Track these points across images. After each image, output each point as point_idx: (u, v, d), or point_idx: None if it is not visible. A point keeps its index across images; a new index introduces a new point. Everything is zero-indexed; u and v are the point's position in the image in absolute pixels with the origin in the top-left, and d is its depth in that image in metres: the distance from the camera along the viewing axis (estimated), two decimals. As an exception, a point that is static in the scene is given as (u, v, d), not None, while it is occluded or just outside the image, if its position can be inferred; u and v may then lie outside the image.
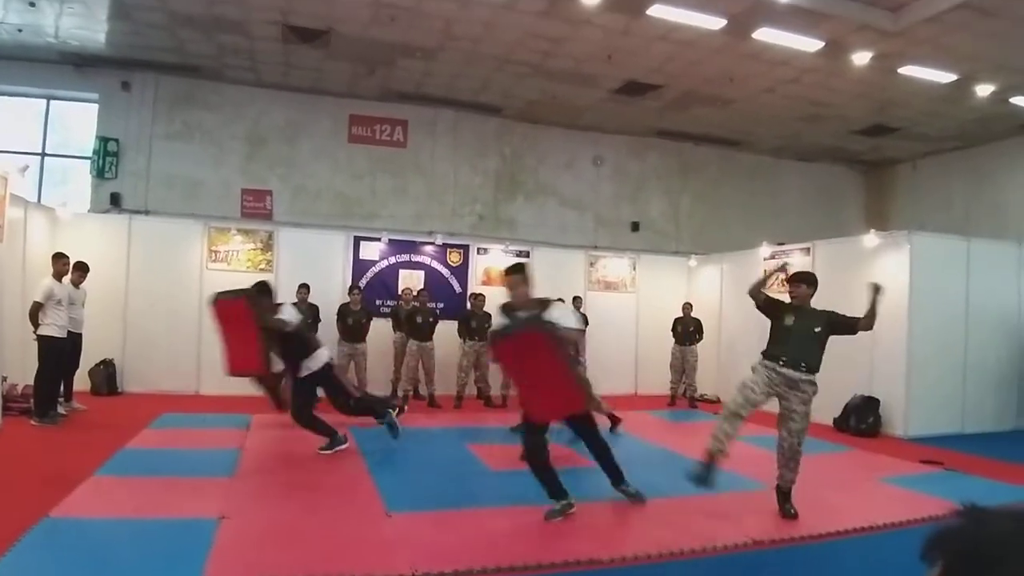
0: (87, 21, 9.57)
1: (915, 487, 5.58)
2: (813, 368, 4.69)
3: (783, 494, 4.78)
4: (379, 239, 10.82)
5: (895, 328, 8.24)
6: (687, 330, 10.67)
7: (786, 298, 4.97)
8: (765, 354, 4.81)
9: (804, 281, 4.88)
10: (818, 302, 4.95)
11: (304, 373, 6.19)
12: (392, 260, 10.82)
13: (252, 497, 4.67)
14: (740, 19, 8.69)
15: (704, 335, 10.74)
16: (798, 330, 4.71)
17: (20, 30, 9.80)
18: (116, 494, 4.53)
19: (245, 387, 7.53)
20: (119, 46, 10.39)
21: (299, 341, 6.23)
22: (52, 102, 11.55)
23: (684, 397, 10.63)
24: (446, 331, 9.86)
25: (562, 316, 4.51)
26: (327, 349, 6.62)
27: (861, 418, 8.37)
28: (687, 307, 10.84)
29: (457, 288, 10.97)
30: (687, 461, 6.47)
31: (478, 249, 11.32)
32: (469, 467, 6.10)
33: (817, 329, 4.71)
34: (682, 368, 10.63)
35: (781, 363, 4.67)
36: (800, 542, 4.20)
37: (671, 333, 10.70)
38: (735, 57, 9.92)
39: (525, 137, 13.50)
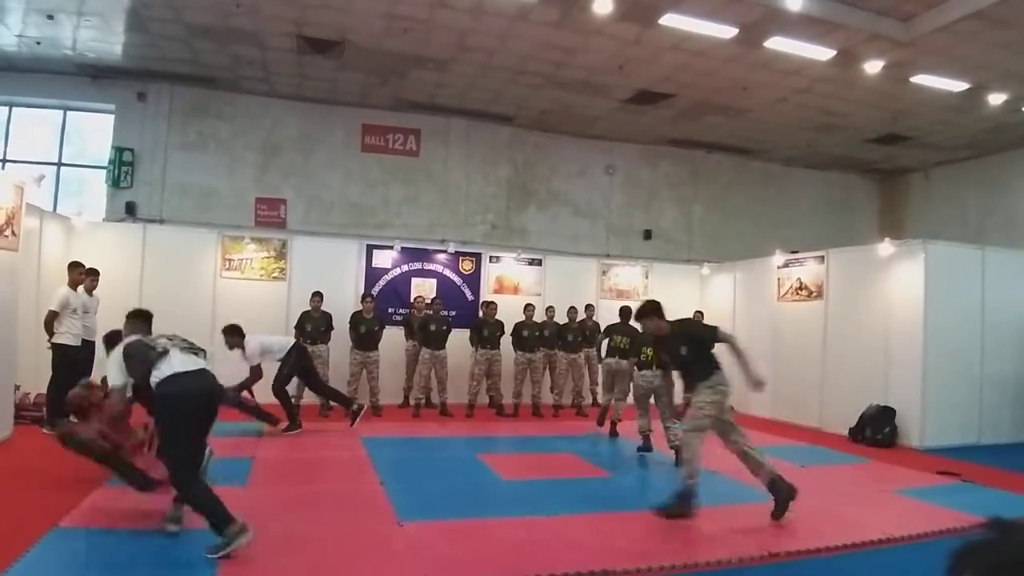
0: (104, 33, 9.70)
1: (931, 499, 5.52)
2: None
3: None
4: (391, 247, 10.86)
5: (910, 337, 8.16)
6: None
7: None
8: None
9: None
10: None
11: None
12: (404, 268, 10.85)
13: (263, 506, 4.66)
14: (751, 28, 8.69)
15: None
16: None
17: (38, 43, 9.95)
18: (126, 504, 4.51)
19: (257, 397, 7.59)
20: (135, 57, 10.52)
21: None
22: (68, 113, 11.70)
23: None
24: (458, 339, 9.87)
25: None
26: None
27: (877, 428, 8.28)
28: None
29: (469, 296, 10.98)
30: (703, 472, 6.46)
31: (490, 257, 11.33)
32: (481, 476, 6.09)
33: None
34: (694, 377, 10.51)
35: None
36: (816, 554, 4.15)
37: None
38: (747, 66, 9.91)
39: (537, 146, 13.53)
